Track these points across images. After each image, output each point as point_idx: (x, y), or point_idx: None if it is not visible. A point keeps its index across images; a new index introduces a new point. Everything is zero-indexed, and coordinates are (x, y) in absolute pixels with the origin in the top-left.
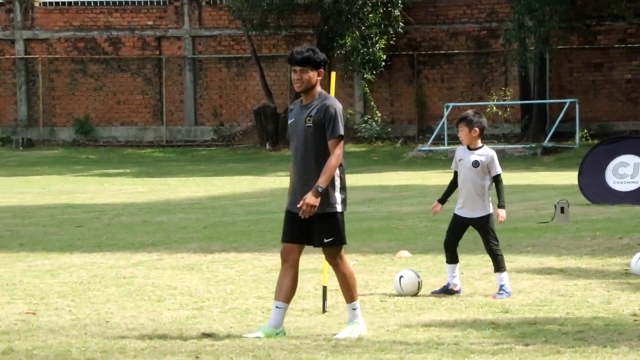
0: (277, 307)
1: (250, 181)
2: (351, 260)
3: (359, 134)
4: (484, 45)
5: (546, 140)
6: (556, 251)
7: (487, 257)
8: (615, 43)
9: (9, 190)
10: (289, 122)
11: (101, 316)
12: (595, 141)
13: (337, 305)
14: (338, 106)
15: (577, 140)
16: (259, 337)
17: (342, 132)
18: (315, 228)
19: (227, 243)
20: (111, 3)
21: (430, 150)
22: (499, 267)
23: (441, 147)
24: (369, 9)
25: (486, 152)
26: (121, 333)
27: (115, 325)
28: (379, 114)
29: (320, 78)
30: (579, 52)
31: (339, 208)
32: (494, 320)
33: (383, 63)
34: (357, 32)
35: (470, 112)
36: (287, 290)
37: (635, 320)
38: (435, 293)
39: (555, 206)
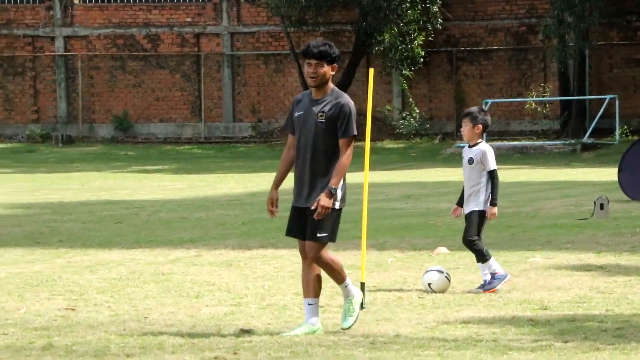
0: (308, 304)
1: (287, 178)
2: (389, 256)
3: (397, 130)
4: (523, 41)
5: (585, 137)
6: (595, 248)
7: (527, 254)
8: None
9: (48, 186)
10: (296, 114)
11: (140, 312)
12: (635, 137)
13: (375, 302)
14: (352, 105)
15: (617, 137)
16: (296, 336)
17: (355, 132)
18: (310, 221)
19: (265, 239)
20: (150, 0)
21: None
22: (479, 258)
23: None
24: (408, 5)
25: (480, 148)
26: (159, 329)
27: (154, 321)
28: (417, 111)
29: (333, 73)
30: (618, 48)
31: (337, 205)
32: (532, 317)
33: (421, 59)
34: (396, 29)
35: (475, 108)
36: (314, 285)
37: None
38: (480, 289)
39: (594, 202)
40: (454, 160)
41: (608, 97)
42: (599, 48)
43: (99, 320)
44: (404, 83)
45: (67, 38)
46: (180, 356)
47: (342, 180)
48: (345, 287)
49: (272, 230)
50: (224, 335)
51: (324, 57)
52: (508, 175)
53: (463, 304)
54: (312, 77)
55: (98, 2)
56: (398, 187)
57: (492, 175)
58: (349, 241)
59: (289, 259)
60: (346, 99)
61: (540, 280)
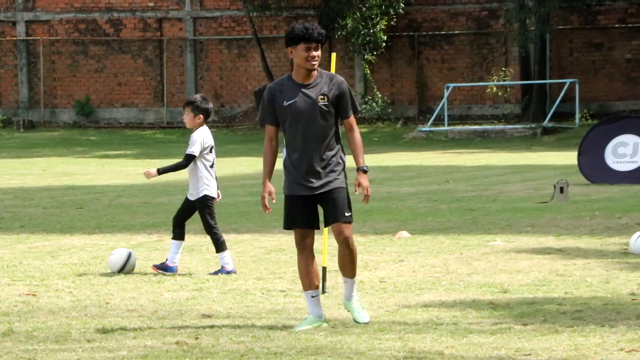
0: (312, 296)
1: (250, 162)
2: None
3: (360, 114)
4: (485, 26)
5: (546, 121)
6: (555, 231)
7: (487, 237)
8: (615, 23)
9: (10, 172)
10: (286, 103)
11: (101, 297)
12: (595, 121)
13: (337, 286)
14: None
15: (577, 120)
16: (306, 331)
17: (359, 107)
18: (329, 205)
19: (227, 224)
20: None
21: (431, 131)
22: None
23: (441, 128)
24: None
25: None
26: (121, 314)
27: (115, 306)
28: (380, 95)
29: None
30: (579, 32)
31: (346, 184)
32: (492, 300)
33: (384, 44)
34: (358, 13)
35: (198, 96)
36: (315, 277)
37: (634, 299)
38: (156, 267)
39: (554, 186)
40: (416, 144)
41: (568, 81)
42: (560, 32)
43: (60, 305)
44: (366, 67)
45: (28, 23)
46: (142, 341)
47: (341, 159)
48: (353, 283)
49: (234, 215)
50: (185, 320)
51: (322, 41)
52: (469, 159)
53: (424, 288)
54: (314, 62)
55: None
56: None
57: (186, 158)
58: None
59: (250, 244)
60: (339, 77)
61: (501, 263)
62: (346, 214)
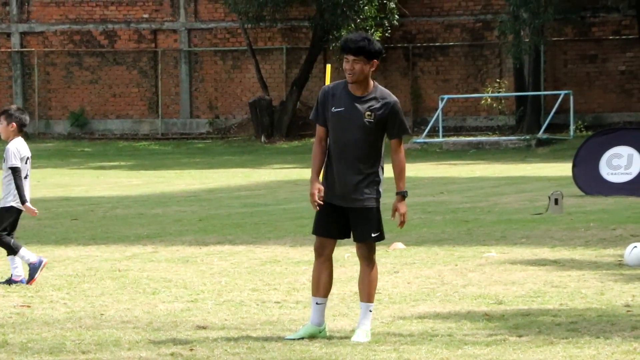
0: (317, 303)
1: (245, 174)
2: (345, 252)
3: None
4: (479, 38)
5: (540, 132)
6: (550, 242)
7: (482, 249)
8: (610, 35)
9: None
10: (335, 109)
11: (96, 309)
12: (590, 133)
13: (331, 297)
14: (399, 103)
15: (572, 132)
16: (302, 339)
17: (408, 131)
18: (358, 222)
19: (222, 235)
20: None
21: (425, 142)
22: (9, 252)
23: (436, 139)
24: (365, 2)
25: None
26: (116, 326)
27: (110, 318)
28: None
29: (373, 69)
30: (573, 44)
31: (379, 202)
32: (487, 312)
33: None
34: (353, 25)
35: (13, 107)
36: (325, 285)
37: (628, 311)
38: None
39: (549, 197)
40: (410, 155)
41: (563, 92)
42: (554, 44)
43: (54, 317)
44: None
45: (23, 34)
46: (137, 353)
47: (378, 176)
48: (369, 311)
49: (229, 226)
50: (180, 332)
51: (361, 53)
52: (464, 170)
53: (419, 299)
54: (349, 74)
55: None
56: None
57: (12, 172)
58: (306, 237)
59: (245, 255)
60: (393, 97)
61: (495, 275)
62: (372, 235)
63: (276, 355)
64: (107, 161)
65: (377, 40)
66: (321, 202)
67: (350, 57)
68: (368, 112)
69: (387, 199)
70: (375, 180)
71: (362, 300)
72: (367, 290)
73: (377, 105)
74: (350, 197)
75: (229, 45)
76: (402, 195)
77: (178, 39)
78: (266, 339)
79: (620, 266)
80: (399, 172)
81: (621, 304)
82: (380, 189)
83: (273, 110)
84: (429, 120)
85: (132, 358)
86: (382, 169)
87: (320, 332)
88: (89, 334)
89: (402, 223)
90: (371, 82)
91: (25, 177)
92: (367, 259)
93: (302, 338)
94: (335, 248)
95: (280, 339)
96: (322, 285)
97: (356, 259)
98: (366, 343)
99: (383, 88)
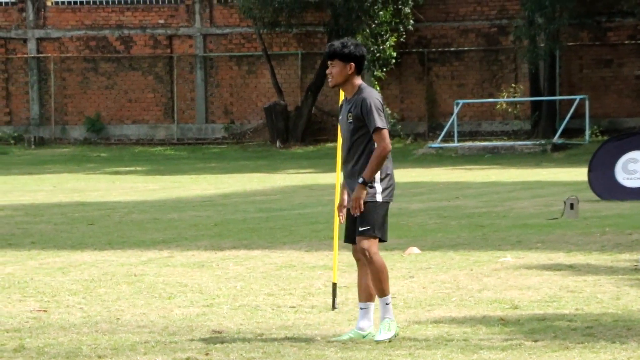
0: (361, 308)
1: (260, 179)
2: None
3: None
4: (494, 43)
5: (556, 137)
6: (565, 247)
7: (497, 254)
8: (625, 39)
9: (21, 188)
10: (339, 116)
11: (112, 314)
12: (605, 137)
13: (347, 302)
14: (374, 98)
15: (587, 137)
16: (350, 338)
17: (378, 123)
18: (354, 218)
19: (238, 240)
20: (123, 2)
21: (440, 147)
22: None
23: (451, 144)
24: (379, 7)
25: None
26: (132, 330)
27: (126, 322)
28: (389, 111)
29: (351, 72)
30: (588, 49)
31: (378, 198)
32: (503, 317)
33: (393, 60)
34: (368, 30)
35: None
36: (364, 289)
37: None
38: None
39: (564, 202)
40: (426, 160)
41: (578, 97)
42: (569, 49)
43: (70, 321)
44: (375, 84)
45: (39, 40)
46: (153, 357)
47: (383, 173)
48: (386, 304)
49: (245, 231)
50: (196, 336)
51: (335, 56)
52: (479, 175)
53: (434, 304)
54: (328, 78)
55: (71, 4)
56: None
57: None
58: (321, 241)
59: (261, 260)
60: (367, 93)
61: (511, 279)
62: (360, 228)
63: None
64: (123, 166)
65: (359, 45)
66: (342, 214)
67: (329, 62)
68: (349, 114)
69: (396, 204)
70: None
71: (377, 294)
72: (375, 287)
73: (354, 104)
74: (351, 196)
75: (244, 51)
76: (360, 183)
77: (193, 45)
78: (281, 344)
79: (636, 271)
80: (369, 163)
81: (637, 308)
82: (378, 186)
83: (288, 116)
84: (444, 125)
85: None
86: (384, 167)
87: (364, 337)
88: (105, 338)
89: (353, 207)
90: (356, 85)
91: None
92: (362, 254)
93: (343, 340)
94: (351, 252)
95: (296, 342)
96: (362, 289)
97: None
98: (381, 347)
99: (368, 89)
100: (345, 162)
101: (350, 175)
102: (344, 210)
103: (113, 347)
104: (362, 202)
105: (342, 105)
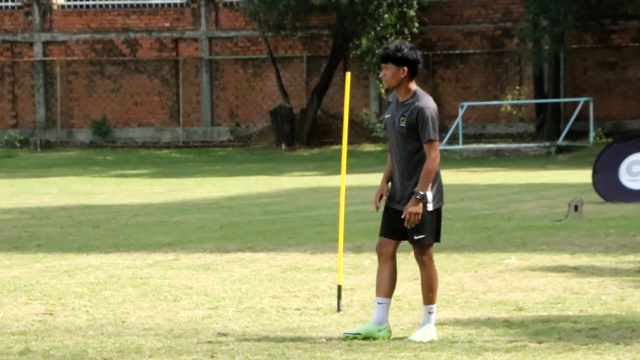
0: (378, 302)
1: (266, 181)
2: (366, 259)
3: (375, 133)
4: (499, 45)
5: (560, 139)
6: (570, 249)
7: (502, 255)
8: (629, 42)
9: (27, 191)
10: (386, 115)
11: (117, 316)
12: (609, 140)
13: (352, 304)
14: (431, 108)
15: (591, 139)
16: (358, 334)
17: (432, 136)
18: (405, 225)
19: (243, 243)
20: (128, 5)
21: (445, 150)
22: None
23: (456, 147)
24: (384, 10)
25: None
26: (137, 333)
27: (132, 325)
28: None
29: (404, 75)
30: (593, 51)
31: (430, 207)
32: (507, 318)
33: None
34: (373, 33)
35: None
36: (386, 284)
37: None
38: None
39: (569, 204)
40: None
41: (582, 99)
42: (574, 51)
43: (76, 324)
44: (381, 87)
45: (45, 43)
46: None
47: (430, 183)
48: (429, 313)
49: (250, 233)
50: (201, 339)
51: (389, 59)
52: (484, 177)
53: (439, 306)
54: (383, 81)
55: (77, 7)
56: (375, 190)
57: None
58: (326, 244)
59: (266, 262)
60: (425, 102)
61: (516, 281)
62: (415, 237)
63: None
64: (129, 169)
65: (414, 49)
66: (377, 206)
67: (383, 65)
68: (402, 117)
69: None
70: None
71: (424, 302)
72: (424, 293)
73: (409, 110)
74: (401, 202)
75: (250, 54)
76: (414, 196)
77: (199, 48)
78: (287, 346)
79: None
80: (421, 175)
81: None
82: (429, 195)
83: (293, 118)
84: (449, 128)
85: None
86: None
87: (379, 332)
88: (110, 341)
89: (407, 221)
90: (411, 89)
91: None
92: (418, 261)
93: (358, 334)
94: (356, 255)
95: (298, 346)
96: (382, 284)
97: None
98: (386, 349)
99: (425, 96)
100: (395, 160)
101: (400, 174)
102: (380, 201)
103: (119, 349)
104: (419, 217)
105: (390, 102)
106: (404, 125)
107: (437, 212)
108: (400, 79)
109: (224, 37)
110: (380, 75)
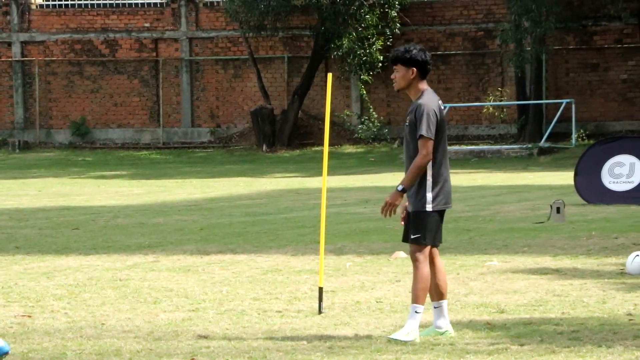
0: (434, 307)
1: (246, 183)
2: (347, 261)
3: (356, 135)
4: (481, 46)
5: (542, 141)
6: (552, 251)
7: (484, 258)
8: (611, 43)
9: (5, 192)
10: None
11: (97, 318)
12: (591, 141)
13: (333, 307)
14: (429, 106)
15: (573, 141)
16: (428, 335)
17: (424, 132)
18: (408, 224)
19: (224, 245)
20: (108, 5)
21: None
22: None
23: None
24: (366, 10)
25: None
26: (117, 335)
27: (111, 327)
28: (376, 115)
29: (413, 76)
30: (575, 53)
31: (428, 207)
32: (489, 321)
33: (380, 64)
34: (354, 34)
35: None
36: (437, 288)
37: (630, 319)
38: None
39: (551, 206)
40: None
41: (564, 101)
42: (556, 53)
43: (55, 327)
44: (362, 88)
45: (24, 43)
46: None
47: (415, 179)
48: (415, 312)
49: (231, 235)
50: (181, 341)
51: (398, 61)
52: (466, 179)
53: None
54: (393, 82)
55: (56, 7)
56: (356, 192)
57: None
58: (307, 246)
59: (247, 265)
60: (426, 100)
61: (497, 283)
62: (412, 236)
63: None
64: (108, 170)
65: (423, 50)
66: (402, 217)
67: (393, 66)
68: (408, 117)
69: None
70: (423, 186)
71: (411, 301)
72: (412, 292)
73: (413, 109)
74: (409, 201)
75: (230, 54)
76: (395, 189)
77: (179, 48)
78: (268, 348)
79: (622, 275)
80: (409, 169)
81: (623, 312)
82: (428, 196)
83: (274, 119)
84: None
85: None
86: (434, 172)
87: (441, 335)
88: (90, 343)
89: (381, 208)
90: (419, 90)
91: None
92: (411, 260)
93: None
94: (337, 257)
95: (280, 349)
96: (433, 289)
97: (357, 268)
98: (367, 352)
99: (430, 95)
100: (405, 159)
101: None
102: (405, 212)
103: (98, 352)
104: (395, 208)
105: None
106: (408, 124)
107: (439, 214)
108: (409, 80)
109: (205, 37)
110: (391, 77)
